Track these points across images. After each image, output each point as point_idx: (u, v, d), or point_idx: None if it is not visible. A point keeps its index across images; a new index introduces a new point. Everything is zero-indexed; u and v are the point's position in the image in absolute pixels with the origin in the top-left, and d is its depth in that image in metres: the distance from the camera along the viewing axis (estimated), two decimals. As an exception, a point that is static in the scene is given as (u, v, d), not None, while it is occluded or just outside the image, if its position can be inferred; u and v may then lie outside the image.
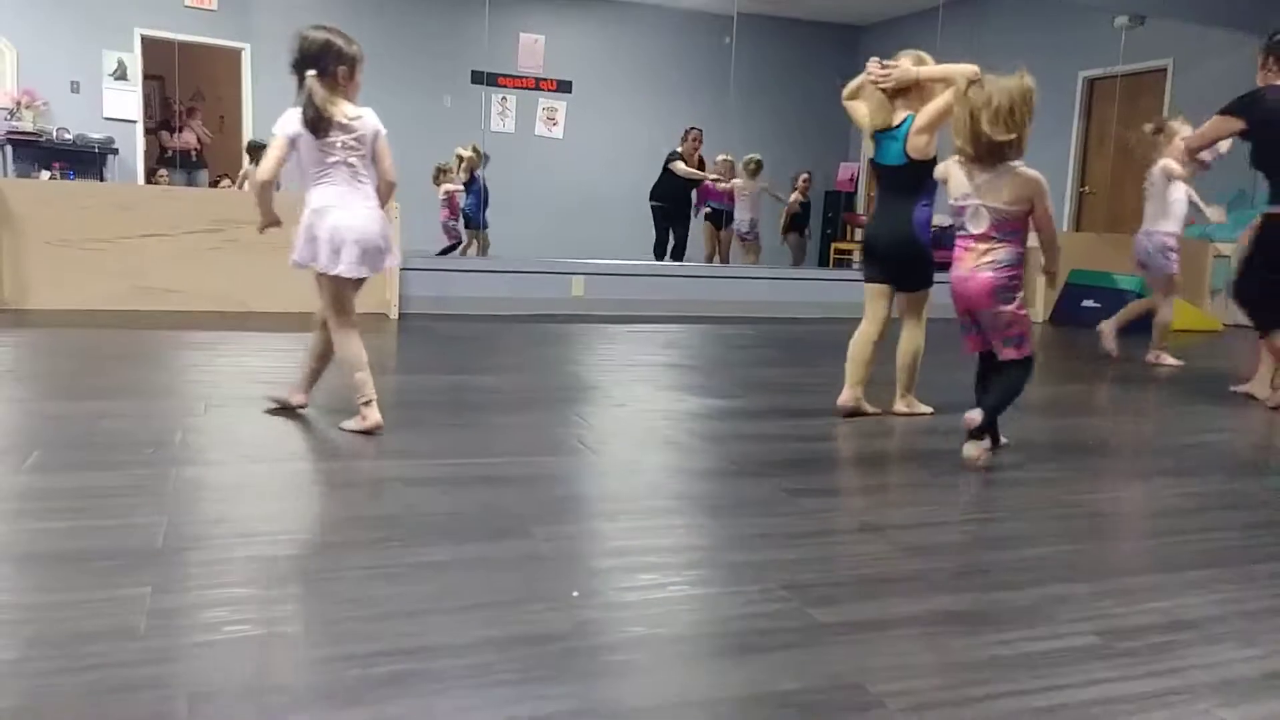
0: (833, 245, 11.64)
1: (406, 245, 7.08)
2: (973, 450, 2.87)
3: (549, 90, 11.50)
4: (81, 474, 2.43)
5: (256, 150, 9.41)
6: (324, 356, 3.13)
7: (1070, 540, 2.29)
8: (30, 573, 1.78)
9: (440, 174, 9.46)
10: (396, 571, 1.83)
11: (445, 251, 9.19)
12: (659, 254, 9.38)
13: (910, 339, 3.62)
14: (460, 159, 9.41)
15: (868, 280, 3.67)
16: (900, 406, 3.68)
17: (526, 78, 11.55)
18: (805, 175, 10.93)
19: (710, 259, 9.99)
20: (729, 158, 10.03)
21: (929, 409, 3.70)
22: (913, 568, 1.99)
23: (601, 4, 11.98)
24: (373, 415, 2.94)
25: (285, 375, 4.04)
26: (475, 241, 9.41)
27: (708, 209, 10.04)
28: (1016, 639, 1.64)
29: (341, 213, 2.90)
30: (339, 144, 2.88)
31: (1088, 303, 7.43)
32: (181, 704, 1.31)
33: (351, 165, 2.92)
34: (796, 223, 10.74)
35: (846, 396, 3.60)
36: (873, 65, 3.44)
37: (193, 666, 1.42)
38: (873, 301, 3.64)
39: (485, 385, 4.11)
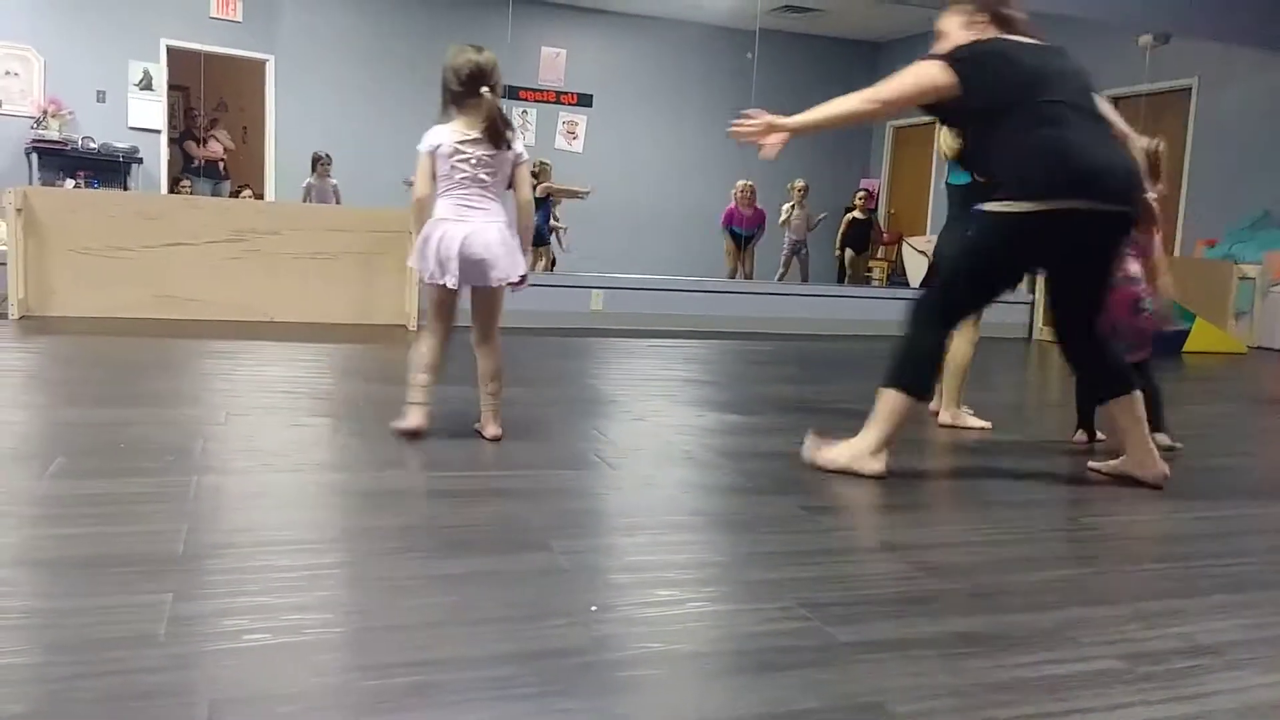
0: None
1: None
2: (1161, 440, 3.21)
3: (570, 104, 11.54)
4: (103, 481, 2.44)
5: (317, 161, 9.38)
6: (489, 377, 3.13)
7: (1092, 563, 2.27)
8: (52, 578, 1.79)
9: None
10: (415, 583, 1.84)
11: None
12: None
13: (960, 348, 3.72)
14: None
15: None
16: (945, 418, 3.77)
17: (547, 91, 11.60)
18: (863, 192, 10.92)
19: (732, 275, 10.02)
20: (750, 183, 10.04)
21: (980, 424, 3.76)
22: (933, 588, 1.97)
23: (624, 18, 12.02)
24: (408, 420, 3.04)
25: (306, 385, 4.06)
26: (542, 258, 9.34)
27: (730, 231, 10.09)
28: (1038, 661, 1.63)
29: (456, 225, 2.96)
30: (473, 159, 2.95)
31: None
32: (201, 711, 1.31)
33: (482, 181, 2.98)
34: (852, 239, 10.69)
35: (944, 417, 3.79)
36: None
37: (212, 674, 1.43)
38: None
39: (503, 398, 4.11)
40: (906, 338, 2.88)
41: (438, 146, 2.96)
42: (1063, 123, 2.71)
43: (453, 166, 2.95)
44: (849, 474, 2.81)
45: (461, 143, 2.94)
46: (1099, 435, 3.51)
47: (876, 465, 2.80)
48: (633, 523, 2.41)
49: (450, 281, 2.95)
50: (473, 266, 2.95)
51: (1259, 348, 8.41)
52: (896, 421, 2.81)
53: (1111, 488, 3.05)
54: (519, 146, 3.04)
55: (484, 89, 2.92)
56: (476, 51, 2.97)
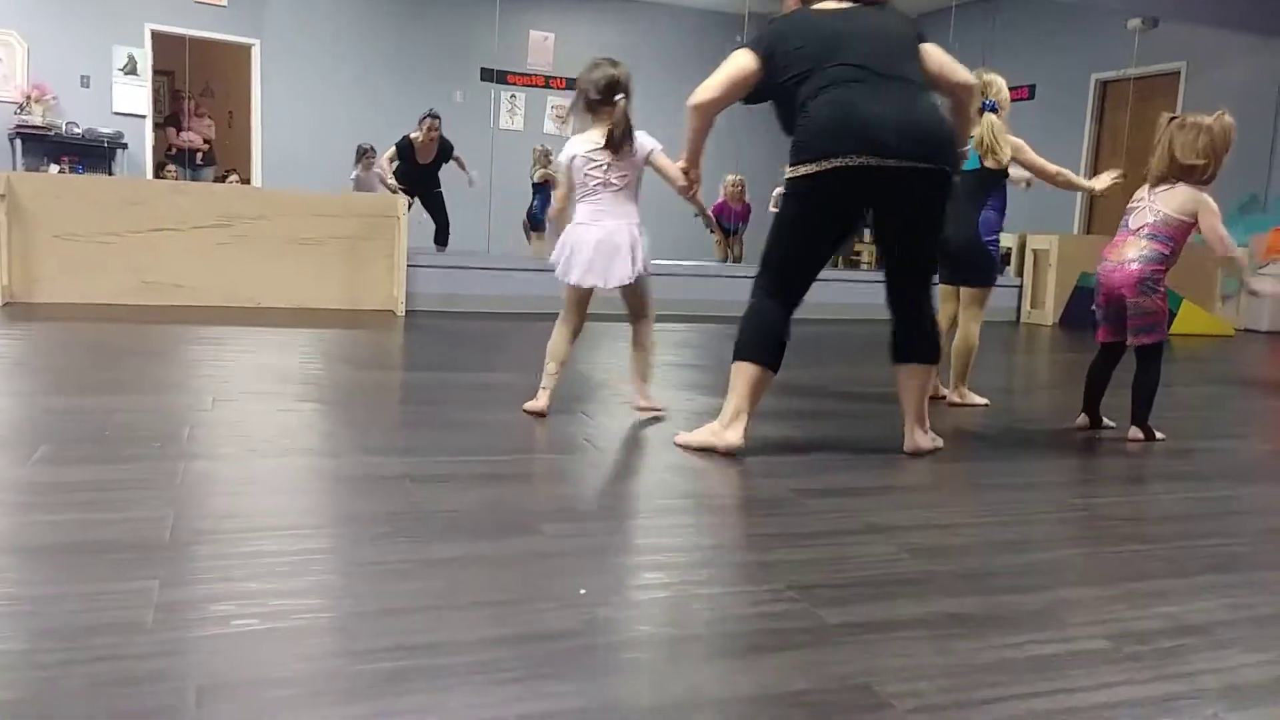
0: (844, 246, 11.63)
1: (413, 242, 7.09)
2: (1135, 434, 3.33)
3: (558, 88, 11.50)
4: (89, 467, 2.43)
5: (363, 153, 9.26)
6: (639, 346, 3.50)
7: (1080, 544, 2.28)
8: (38, 565, 1.78)
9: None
10: (404, 568, 1.83)
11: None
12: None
13: (966, 333, 3.85)
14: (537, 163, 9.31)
15: (939, 281, 3.96)
16: (953, 397, 3.92)
17: (536, 75, 11.55)
18: None
19: (723, 261, 10.02)
20: (740, 177, 10.00)
21: (983, 400, 3.92)
22: (922, 569, 1.98)
23: (612, 2, 11.97)
24: (537, 401, 3.28)
25: (294, 371, 4.05)
26: (540, 242, 9.23)
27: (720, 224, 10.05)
28: (1025, 642, 1.63)
29: (587, 229, 3.20)
30: (604, 165, 3.18)
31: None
32: (189, 696, 1.31)
33: (614, 185, 3.21)
34: None
35: (952, 397, 3.93)
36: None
37: (200, 660, 1.42)
38: (944, 302, 3.97)
39: (492, 383, 4.11)
40: (746, 311, 2.98)
41: (573, 158, 3.21)
42: (844, 84, 2.72)
43: (586, 175, 3.20)
44: (710, 450, 2.84)
45: (591, 152, 3.18)
46: (1107, 422, 3.50)
47: (732, 437, 2.83)
48: (622, 506, 2.41)
49: (584, 281, 3.22)
50: (606, 267, 3.20)
51: (1245, 330, 8.45)
52: (747, 392, 2.86)
53: (1102, 470, 3.06)
54: (649, 142, 3.22)
55: (618, 97, 3.13)
56: (612, 65, 3.18)
